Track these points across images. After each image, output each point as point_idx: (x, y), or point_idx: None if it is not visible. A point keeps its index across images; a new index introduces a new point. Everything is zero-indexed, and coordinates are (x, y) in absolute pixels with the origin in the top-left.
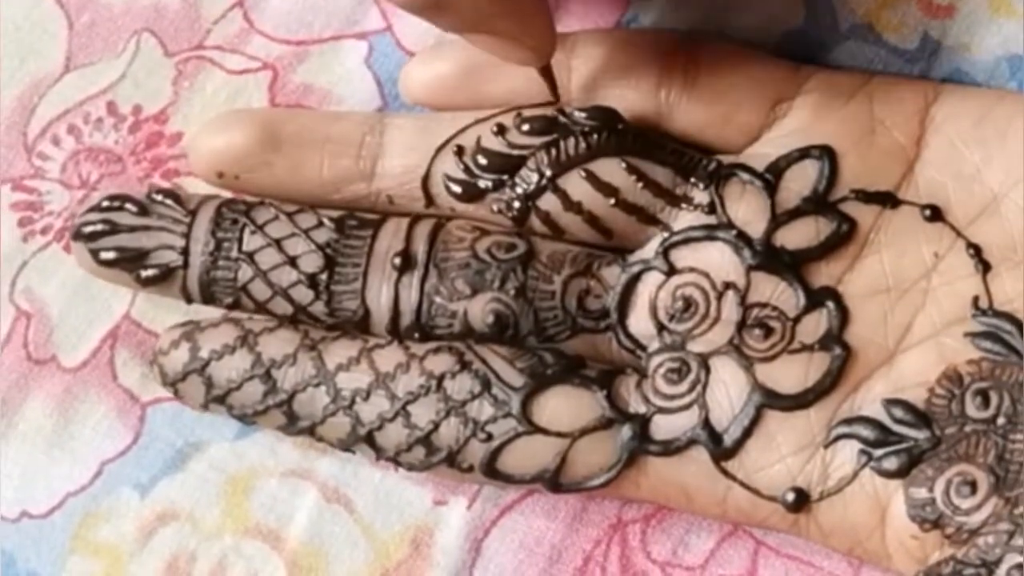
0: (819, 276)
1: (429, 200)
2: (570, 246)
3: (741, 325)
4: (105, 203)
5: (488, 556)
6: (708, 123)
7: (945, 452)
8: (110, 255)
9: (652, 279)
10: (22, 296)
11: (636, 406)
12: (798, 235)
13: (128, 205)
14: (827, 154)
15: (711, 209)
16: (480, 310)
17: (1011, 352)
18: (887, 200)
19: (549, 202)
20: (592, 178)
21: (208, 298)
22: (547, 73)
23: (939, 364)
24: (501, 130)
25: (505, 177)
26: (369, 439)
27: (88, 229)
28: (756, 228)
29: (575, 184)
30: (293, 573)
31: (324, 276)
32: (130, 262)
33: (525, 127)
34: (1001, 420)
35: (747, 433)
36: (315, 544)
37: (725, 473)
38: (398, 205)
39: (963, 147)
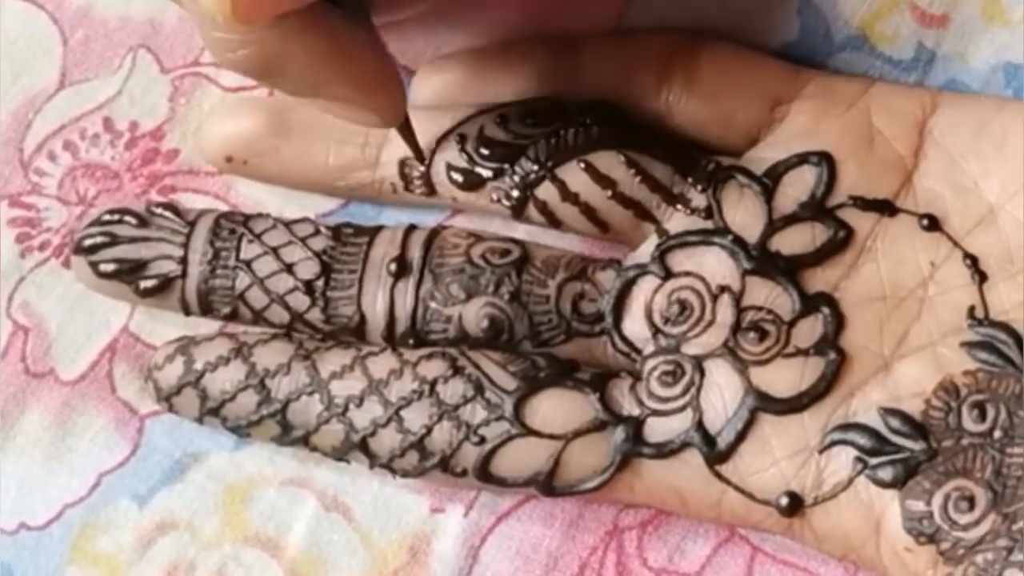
0: (815, 282)
1: (431, 189)
2: (564, 251)
3: (736, 328)
4: (105, 217)
5: (485, 563)
6: (708, 123)
7: (942, 465)
8: (109, 267)
9: (648, 283)
10: (19, 311)
11: (630, 408)
12: (794, 240)
13: (128, 218)
14: (825, 160)
15: (708, 213)
16: (475, 314)
17: (1007, 363)
18: (885, 208)
19: (547, 191)
20: (591, 169)
21: (206, 308)
22: (406, 132)
23: (935, 374)
24: (504, 120)
25: (505, 166)
26: (363, 446)
27: (88, 242)
28: (752, 233)
29: (573, 175)
30: None
31: (320, 282)
32: (129, 273)
33: (527, 118)
34: (998, 433)
35: (741, 436)
36: (314, 552)
37: (719, 476)
38: (401, 194)
39: (961, 159)
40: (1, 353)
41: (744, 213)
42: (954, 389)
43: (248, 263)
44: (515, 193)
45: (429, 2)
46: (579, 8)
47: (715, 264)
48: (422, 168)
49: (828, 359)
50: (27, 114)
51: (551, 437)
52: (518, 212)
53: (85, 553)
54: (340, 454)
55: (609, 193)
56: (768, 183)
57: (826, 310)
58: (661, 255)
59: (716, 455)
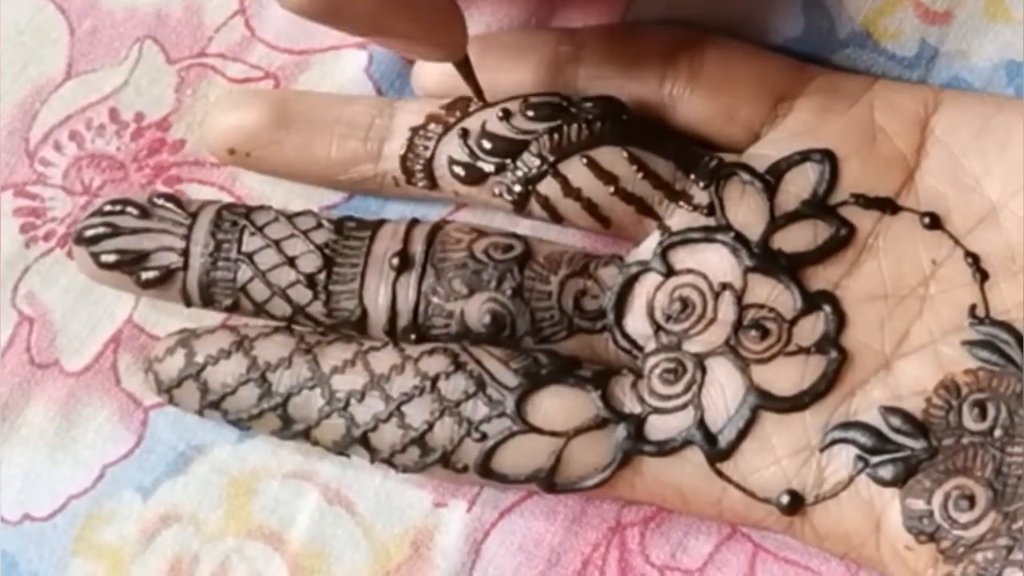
0: (817, 280)
1: (432, 183)
2: (567, 247)
3: (737, 326)
4: (107, 207)
5: (487, 558)
6: (711, 118)
7: (942, 464)
8: (111, 257)
9: (650, 280)
10: (24, 301)
11: (631, 406)
12: (796, 238)
13: (129, 208)
14: (828, 158)
15: (710, 210)
16: (477, 310)
17: (1008, 363)
18: (887, 206)
19: (549, 187)
20: (593, 165)
21: (207, 300)
22: (465, 69)
23: (936, 373)
24: (507, 115)
25: (508, 161)
26: (364, 440)
27: (89, 233)
28: (754, 230)
29: (576, 170)
30: (295, 574)
31: (322, 276)
32: (130, 264)
33: (530, 112)
34: (998, 432)
35: (742, 435)
36: (317, 546)
37: (720, 474)
38: (403, 187)
39: (962, 158)
40: (6, 344)
41: (746, 210)
42: (955, 388)
43: (250, 255)
44: (517, 188)
45: None
46: (583, 1)
47: (717, 261)
48: (424, 160)
49: (829, 357)
50: (33, 104)
51: (552, 434)
52: (520, 207)
53: (89, 544)
54: (341, 448)
55: (611, 189)
56: (770, 180)
57: (827, 308)
58: (663, 252)
59: (717, 453)
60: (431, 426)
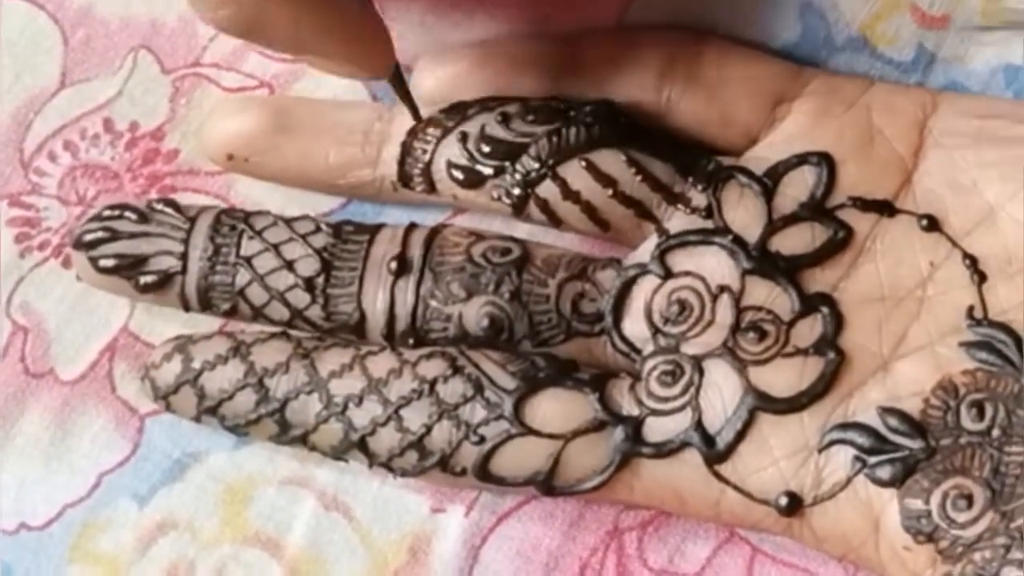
0: (814, 282)
1: (431, 187)
2: (565, 250)
3: (735, 328)
4: (106, 212)
5: (485, 563)
6: (709, 122)
7: (940, 464)
8: (109, 262)
9: (647, 282)
10: (19, 311)
11: (629, 408)
12: (794, 241)
13: (128, 213)
14: (825, 161)
15: (708, 213)
16: (475, 313)
17: (1006, 363)
18: (884, 209)
19: (548, 190)
20: (592, 168)
21: (206, 304)
22: (398, 86)
23: (934, 374)
24: (505, 118)
25: (506, 164)
26: (362, 445)
27: (88, 237)
28: (752, 233)
29: (574, 173)
30: None
31: (321, 280)
32: (129, 269)
33: (529, 115)
34: (996, 432)
35: (740, 436)
36: (314, 552)
37: (718, 476)
38: (401, 192)
39: (960, 160)
40: (1, 354)
41: (744, 213)
42: (953, 388)
43: (248, 259)
44: (516, 191)
45: None
46: (579, 5)
47: (715, 264)
48: (422, 164)
49: (827, 359)
50: (28, 114)
51: (550, 437)
52: (519, 210)
53: (85, 553)
54: (339, 453)
55: (610, 192)
56: (768, 183)
57: (825, 310)
58: (661, 255)
59: (715, 455)
60: (429, 429)
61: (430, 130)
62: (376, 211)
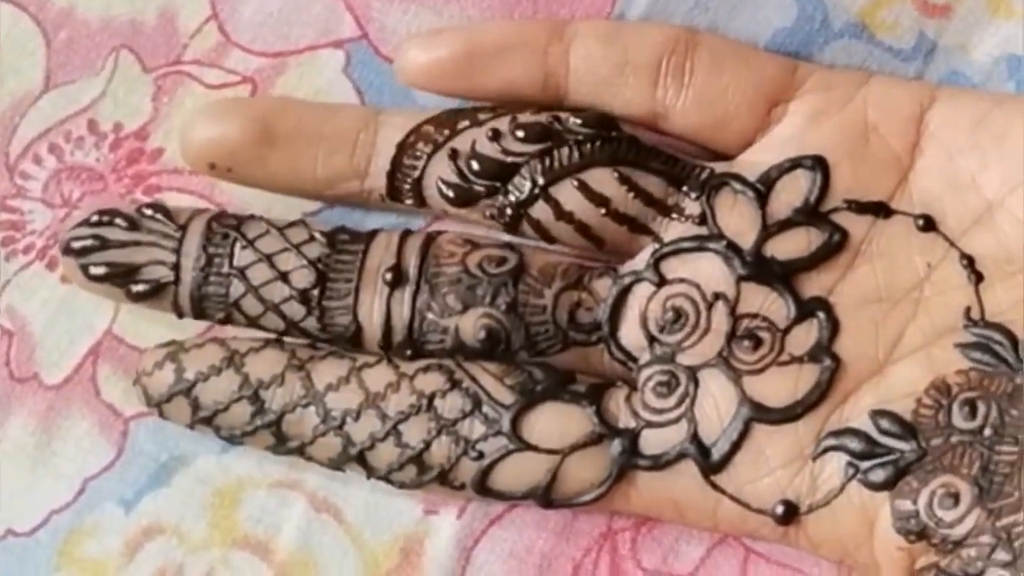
0: (810, 286)
1: (421, 202)
2: (561, 258)
3: (731, 336)
4: (95, 218)
5: (478, 565)
6: (704, 125)
7: (930, 464)
8: (100, 271)
9: (642, 290)
10: (4, 315)
11: (626, 421)
12: (789, 245)
13: (118, 220)
14: (819, 164)
15: (702, 220)
16: (472, 326)
17: (1001, 363)
18: (880, 210)
19: (541, 211)
20: (584, 188)
21: (200, 313)
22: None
23: (928, 375)
24: (496, 135)
25: (498, 184)
26: (360, 459)
27: (78, 244)
28: (747, 239)
29: (567, 194)
30: None
31: (316, 292)
32: (120, 278)
33: (520, 133)
34: (988, 431)
35: (735, 447)
36: (304, 554)
37: (714, 487)
38: (389, 203)
39: (959, 154)
40: None
41: (738, 219)
42: (945, 388)
43: (242, 271)
44: (508, 212)
45: None
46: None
47: (709, 270)
48: (412, 179)
49: (823, 366)
50: (13, 117)
51: (549, 452)
52: (512, 229)
53: (72, 559)
54: (336, 465)
55: (603, 211)
56: (762, 189)
57: (821, 315)
58: (655, 262)
59: (711, 466)
60: (428, 445)
61: (420, 145)
62: (366, 208)
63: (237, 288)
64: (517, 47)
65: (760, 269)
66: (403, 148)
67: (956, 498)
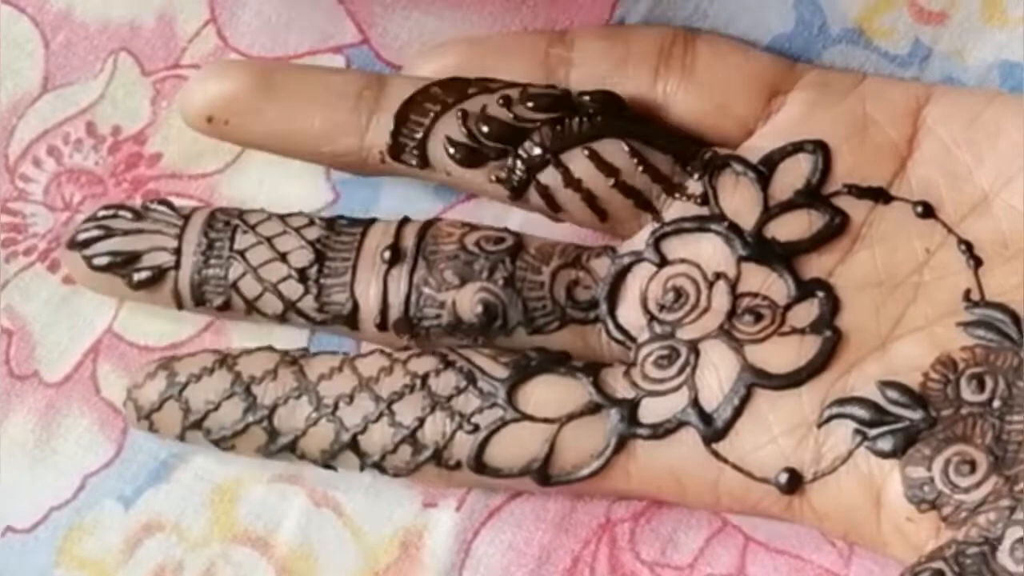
0: (811, 268)
1: (424, 163)
2: (559, 240)
3: (731, 314)
4: (100, 212)
5: (477, 557)
6: (705, 115)
7: (942, 433)
8: (103, 260)
9: (643, 270)
10: (3, 314)
11: (624, 391)
12: (790, 227)
13: (123, 212)
14: (821, 148)
15: (703, 200)
16: (468, 300)
17: (1005, 339)
18: (879, 195)
19: (550, 176)
20: (595, 156)
21: (199, 299)
22: None
23: (933, 351)
24: (507, 102)
25: (507, 148)
26: (353, 444)
27: (83, 236)
28: (748, 220)
29: (577, 161)
30: None
31: (314, 270)
32: (122, 265)
33: (530, 103)
34: (997, 403)
35: (737, 413)
36: (304, 549)
37: (716, 455)
38: (389, 165)
39: (955, 148)
40: None
41: (740, 200)
42: (952, 363)
43: (242, 252)
44: (518, 175)
45: None
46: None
47: (710, 251)
48: (417, 138)
49: (824, 336)
50: (11, 119)
51: (545, 421)
52: (518, 194)
53: (72, 556)
54: (329, 457)
55: (612, 181)
56: (764, 171)
57: (821, 294)
58: (656, 242)
59: (713, 433)
60: (422, 422)
61: (428, 104)
62: (366, 209)
63: (236, 269)
64: (519, 50)
65: (761, 250)
66: (410, 105)
67: (972, 465)
